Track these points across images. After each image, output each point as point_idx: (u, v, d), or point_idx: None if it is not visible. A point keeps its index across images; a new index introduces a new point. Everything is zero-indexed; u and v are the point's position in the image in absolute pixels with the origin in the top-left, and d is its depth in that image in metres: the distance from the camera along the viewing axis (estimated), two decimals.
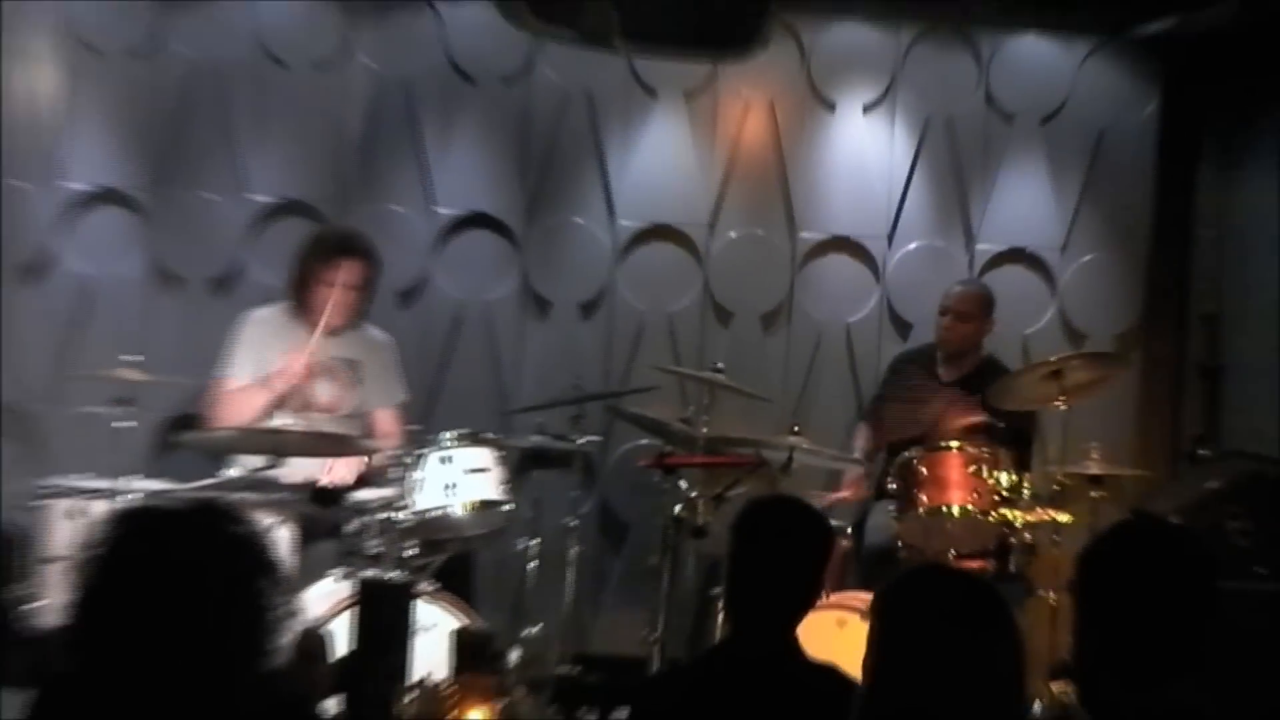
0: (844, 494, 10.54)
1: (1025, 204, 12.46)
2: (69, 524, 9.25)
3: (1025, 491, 9.82)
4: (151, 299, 11.91)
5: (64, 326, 11.79)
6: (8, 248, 11.56)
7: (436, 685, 7.77)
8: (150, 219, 11.92)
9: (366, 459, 9.93)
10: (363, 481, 9.94)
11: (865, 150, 12.39)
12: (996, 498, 9.74)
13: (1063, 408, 10.11)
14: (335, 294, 10.13)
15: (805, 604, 6.03)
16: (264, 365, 10.21)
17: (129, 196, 11.91)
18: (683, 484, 10.05)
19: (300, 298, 10.27)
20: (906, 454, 10.00)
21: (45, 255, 11.82)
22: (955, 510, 9.74)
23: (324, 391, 10.28)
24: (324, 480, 9.76)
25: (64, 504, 9.42)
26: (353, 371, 10.35)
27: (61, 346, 11.73)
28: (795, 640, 5.93)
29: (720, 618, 9.43)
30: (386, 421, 10.39)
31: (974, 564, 9.55)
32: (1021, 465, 10.08)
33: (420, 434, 9.83)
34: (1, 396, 11.33)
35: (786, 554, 6.04)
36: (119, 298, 11.87)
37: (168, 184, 11.90)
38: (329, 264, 10.20)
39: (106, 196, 11.90)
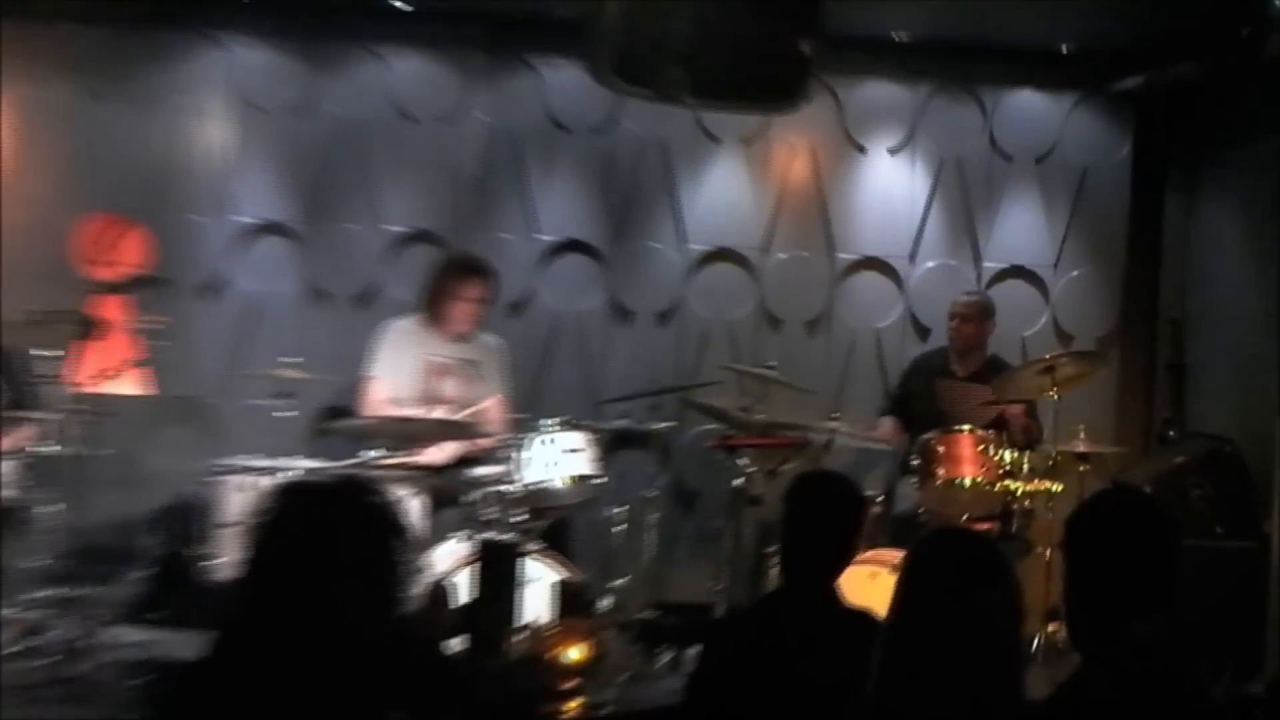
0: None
1: (1023, 229, 12.54)
2: (240, 495, 9.43)
3: (1025, 466, 9.91)
4: (306, 312, 11.98)
5: (234, 334, 11.84)
6: (189, 271, 11.67)
7: (541, 628, 7.78)
8: (305, 246, 12.01)
9: (469, 443, 10.09)
10: (478, 460, 10.01)
11: (890, 185, 12.47)
12: (1001, 471, 9.85)
13: (1055, 397, 10.19)
14: (463, 307, 10.36)
15: (844, 560, 6.00)
16: (400, 366, 10.33)
17: (287, 228, 11.99)
18: (741, 461, 10.09)
19: (432, 310, 10.39)
20: (926, 435, 10.09)
21: (219, 277, 11.90)
22: (967, 482, 9.84)
23: (448, 387, 10.38)
24: (421, 460, 9.88)
25: (236, 479, 9.61)
26: (473, 370, 10.44)
27: (233, 351, 11.77)
28: (835, 589, 5.92)
29: (774, 571, 9.41)
30: (497, 412, 10.42)
31: (983, 526, 9.55)
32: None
33: (527, 421, 9.93)
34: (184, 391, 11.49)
35: (828, 519, 6.06)
36: (279, 311, 11.94)
37: (319, 217, 11.99)
38: (458, 282, 10.37)
39: (269, 228, 11.99)
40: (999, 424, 10.30)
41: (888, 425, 11.11)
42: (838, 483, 6.36)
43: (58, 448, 9.42)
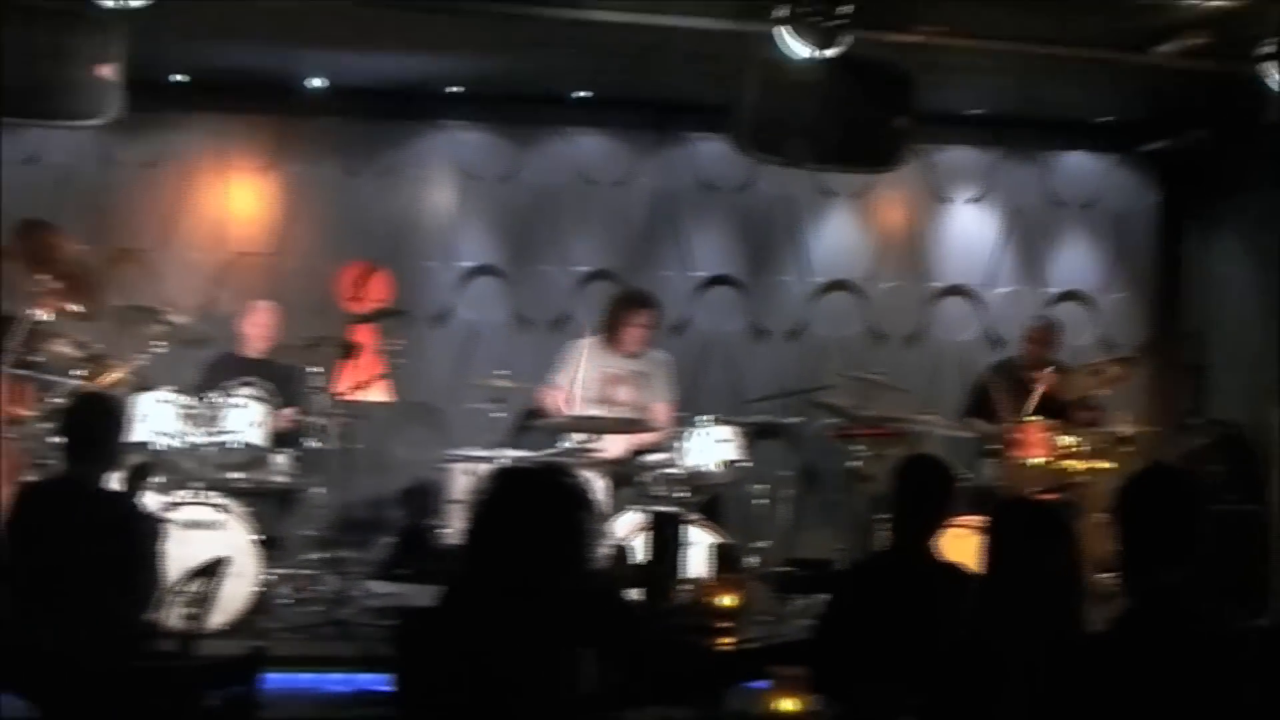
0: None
1: (1076, 262, 12.45)
2: (464, 478, 9.45)
3: (1081, 448, 9.85)
4: (513, 335, 11.96)
5: (458, 354, 11.85)
6: (423, 304, 11.73)
7: (700, 580, 7.75)
8: (511, 284, 12.00)
9: (642, 436, 10.07)
10: (649, 449, 10.03)
11: (970, 228, 12.42)
12: (1062, 452, 9.79)
13: (1103, 393, 10.25)
14: (632, 331, 10.36)
15: (939, 524, 5.95)
16: (584, 377, 10.29)
17: (498, 269, 11.99)
18: (856, 448, 10.09)
19: (609, 332, 10.41)
20: (1000, 425, 10.07)
21: (446, 309, 11.92)
22: (1034, 461, 9.78)
23: (623, 393, 10.37)
24: (602, 453, 9.85)
25: (461, 465, 9.67)
26: (643, 380, 10.41)
27: (457, 366, 11.76)
28: (932, 546, 5.88)
29: (882, 533, 9.45)
30: (663, 412, 10.39)
31: (1048, 497, 9.49)
32: (1094, 421, 10.11)
33: (687, 418, 9.98)
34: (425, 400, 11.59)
35: (927, 491, 6.06)
36: (492, 335, 11.93)
37: (522, 261, 11.99)
38: (629, 311, 10.38)
39: (483, 270, 11.99)
40: (1059, 415, 10.13)
41: (969, 420, 10.96)
42: (933, 462, 6.31)
43: (323, 442, 9.50)
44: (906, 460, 6.28)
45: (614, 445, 10.03)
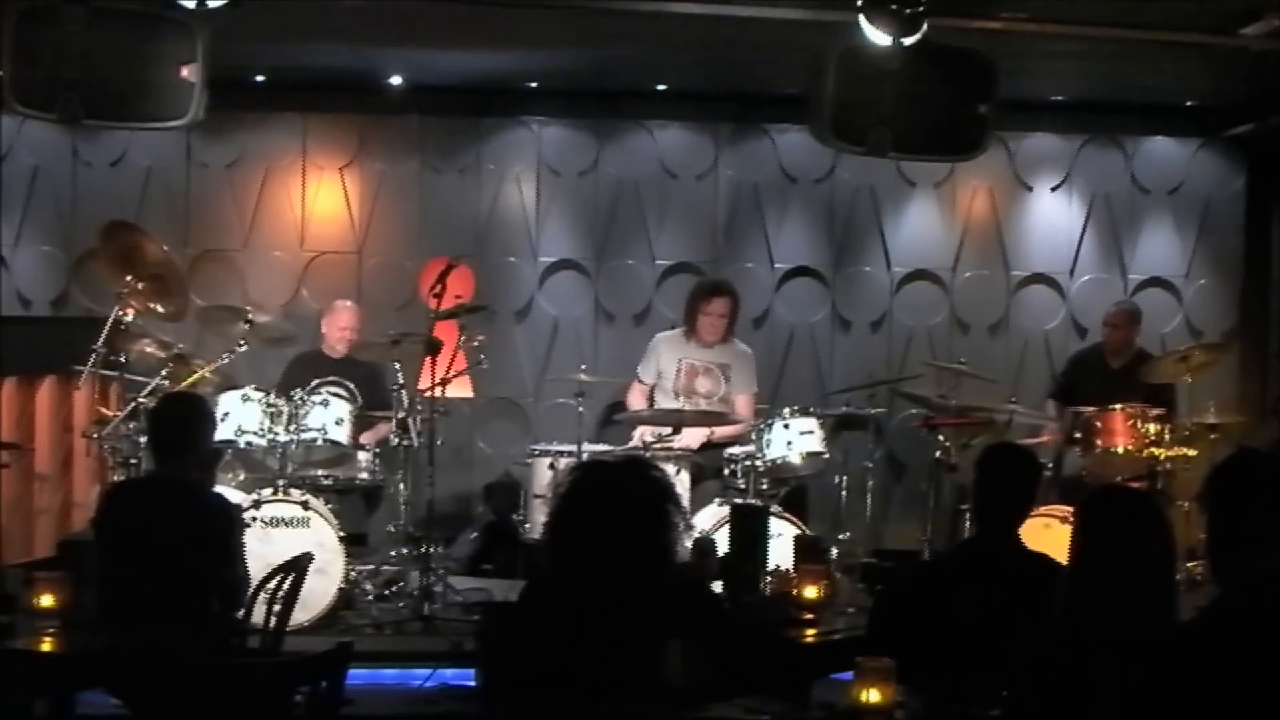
0: (1045, 439, 10.46)
1: (1160, 248, 12.30)
2: (548, 472, 9.41)
3: (1167, 436, 9.77)
4: (596, 328, 12.02)
5: (541, 348, 11.94)
6: (506, 299, 11.79)
7: (785, 571, 7.74)
8: (594, 277, 12.03)
9: (711, 431, 9.99)
10: (731, 441, 9.98)
11: (1053, 216, 12.30)
12: (1148, 440, 9.71)
13: (1189, 380, 10.19)
14: (707, 320, 10.29)
15: (1023, 513, 5.89)
16: (666, 369, 10.30)
17: (580, 264, 12.03)
18: (940, 437, 9.97)
19: (690, 324, 10.32)
20: (1086, 413, 9.96)
21: (529, 303, 11.98)
22: (1120, 449, 9.72)
23: (703, 385, 10.26)
24: (679, 444, 9.76)
25: (545, 459, 9.62)
26: (722, 372, 10.29)
27: (541, 360, 11.88)
28: (1018, 536, 5.82)
29: (967, 523, 9.41)
30: (745, 404, 10.28)
31: (1135, 484, 9.39)
32: (1166, 418, 9.98)
33: (770, 410, 9.94)
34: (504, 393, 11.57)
35: (1010, 480, 5.99)
36: (576, 328, 11.98)
37: (604, 255, 12.02)
38: (704, 300, 10.28)
39: (566, 264, 12.03)
40: (1147, 402, 10.04)
41: (1054, 407, 10.90)
42: (1017, 451, 6.26)
43: (410, 439, 9.53)
44: (989, 450, 6.22)
45: (694, 438, 9.95)
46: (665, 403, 10.17)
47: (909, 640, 5.61)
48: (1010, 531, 5.87)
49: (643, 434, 9.88)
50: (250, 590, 6.63)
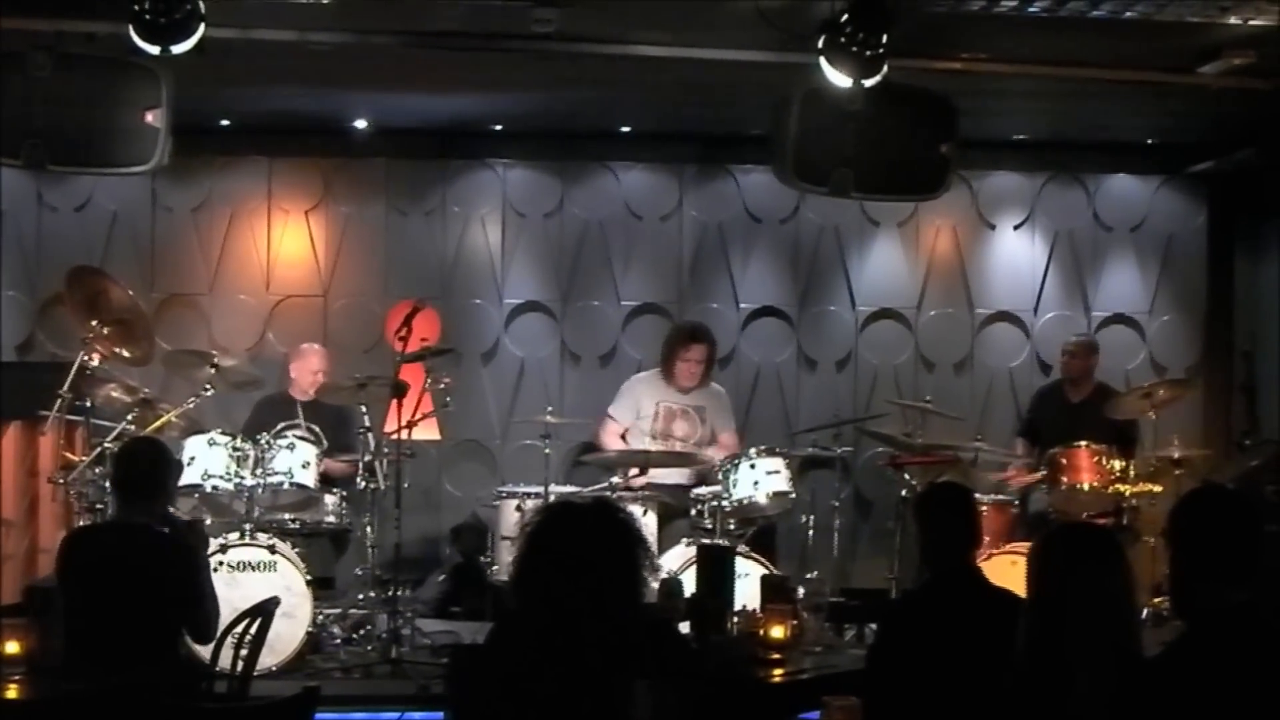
0: (1009, 475, 10.45)
1: (1123, 285, 12.36)
2: (516, 513, 9.34)
3: (1131, 472, 9.79)
4: (562, 369, 11.99)
5: (509, 389, 11.89)
6: (472, 341, 11.76)
7: (752, 611, 7.74)
8: (560, 319, 12.00)
9: (696, 468, 10.09)
10: (702, 481, 10.00)
11: (1016, 254, 12.34)
12: (1113, 477, 9.74)
13: (1153, 416, 10.24)
14: (685, 366, 10.30)
15: (974, 544, 5.99)
16: (638, 411, 10.33)
17: (545, 305, 12.00)
18: (906, 475, 9.93)
19: (667, 368, 10.35)
20: (1052, 450, 9.98)
21: (495, 345, 11.94)
22: (1086, 486, 9.75)
23: (680, 428, 10.31)
24: (651, 486, 9.85)
25: (512, 501, 9.60)
26: (699, 414, 10.34)
27: (507, 402, 11.84)
28: (979, 571, 5.87)
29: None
30: (731, 439, 10.39)
31: (1100, 521, 9.39)
32: (1129, 455, 10.04)
33: (736, 451, 9.93)
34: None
35: (949, 518, 6.02)
36: (542, 370, 11.94)
37: (570, 296, 12.00)
38: (683, 346, 10.31)
39: (531, 306, 12.00)
40: (1111, 440, 10.07)
41: (1023, 445, 10.92)
42: (950, 489, 6.47)
43: (373, 482, 9.50)
44: (922, 494, 6.28)
45: (668, 478, 10.00)
46: (640, 444, 10.19)
47: (881, 677, 5.63)
48: (966, 561, 5.93)
49: (618, 475, 9.84)
50: (219, 618, 6.62)
